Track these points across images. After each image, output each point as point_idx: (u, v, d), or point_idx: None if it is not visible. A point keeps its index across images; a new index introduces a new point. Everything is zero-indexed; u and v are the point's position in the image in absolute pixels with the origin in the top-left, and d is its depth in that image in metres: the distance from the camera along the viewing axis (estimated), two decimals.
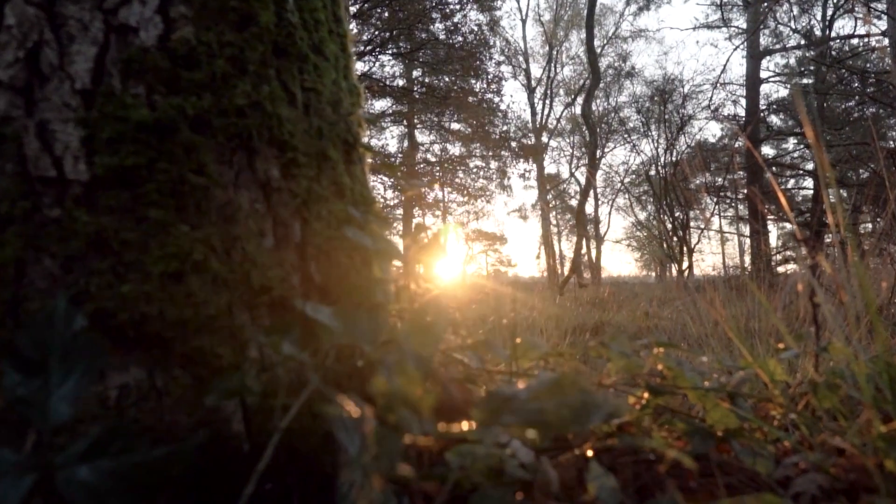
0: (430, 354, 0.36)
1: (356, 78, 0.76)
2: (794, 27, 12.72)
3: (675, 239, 12.33)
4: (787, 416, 0.67)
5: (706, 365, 0.82)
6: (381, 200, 14.26)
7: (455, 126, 16.34)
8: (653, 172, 15.28)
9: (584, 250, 22.60)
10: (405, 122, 16.71)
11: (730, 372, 0.70)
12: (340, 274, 0.62)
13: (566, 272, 10.55)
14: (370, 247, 0.55)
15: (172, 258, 0.52)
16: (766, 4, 11.53)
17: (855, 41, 11.72)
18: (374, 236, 0.55)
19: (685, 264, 11.98)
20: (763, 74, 12.89)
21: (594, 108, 21.02)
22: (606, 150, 21.64)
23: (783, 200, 1.17)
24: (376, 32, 11.19)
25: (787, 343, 0.66)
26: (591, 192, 21.91)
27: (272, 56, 0.61)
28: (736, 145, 12.62)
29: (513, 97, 35.80)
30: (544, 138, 20.76)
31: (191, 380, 0.52)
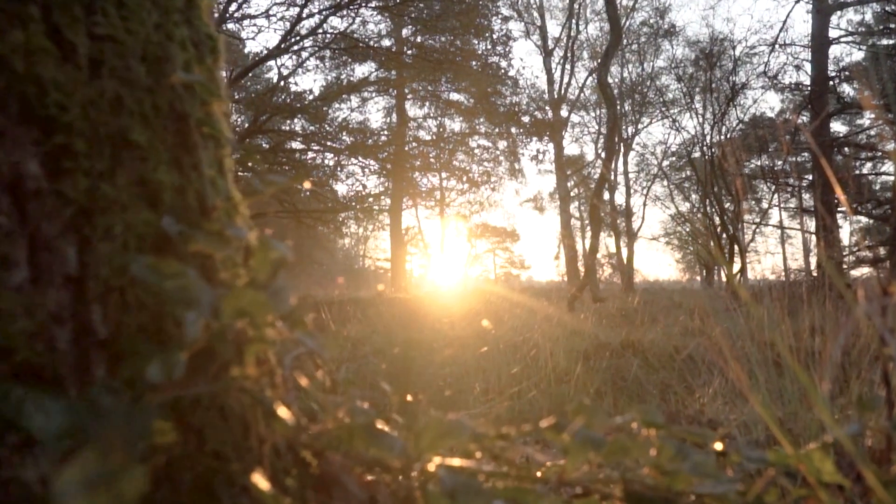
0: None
1: (208, 23, 0.63)
2: None
3: (723, 236, 12.20)
4: None
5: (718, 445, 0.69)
6: (362, 189, 14.15)
7: (454, 97, 16.22)
8: (697, 154, 15.14)
9: (611, 250, 22.48)
10: (393, 92, 16.60)
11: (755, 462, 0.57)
12: (144, 324, 0.49)
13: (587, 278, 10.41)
14: (157, 286, 0.42)
15: None
16: None
17: None
18: (173, 270, 0.42)
19: (736, 267, 11.86)
20: (832, 33, 12.74)
21: (625, 74, 20.91)
22: (640, 126, 21.51)
23: (841, 196, 1.04)
24: None
25: (831, 430, 0.53)
26: (623, 180, 21.79)
27: None
28: (799, 121, 12.50)
29: (524, 61, 35.49)
30: (564, 111, 20.62)
31: None
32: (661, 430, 0.57)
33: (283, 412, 0.47)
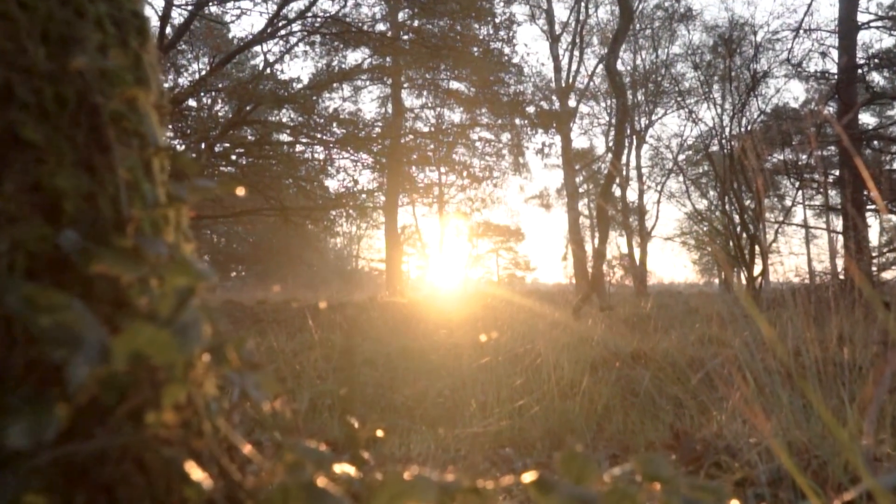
0: None
1: None
2: None
3: (743, 236, 12.15)
4: None
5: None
6: (354, 184, 14.10)
7: (454, 85, 16.17)
8: (715, 147, 15.09)
9: (622, 251, 22.47)
10: (388, 80, 16.56)
11: None
12: (36, 362, 0.43)
13: (599, 280, 10.36)
14: (30, 322, 0.36)
15: None
16: None
17: None
18: (54, 301, 0.36)
19: (757, 269, 11.81)
20: (861, 17, 12.68)
21: (638, 61, 20.87)
22: (654, 117, 21.47)
23: (875, 193, 0.99)
24: None
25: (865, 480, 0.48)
26: (636, 175, 21.76)
27: None
28: (826, 112, 12.44)
29: (529, 47, 35.40)
30: (572, 101, 20.57)
31: None
32: (666, 484, 0.51)
33: (197, 474, 0.42)
